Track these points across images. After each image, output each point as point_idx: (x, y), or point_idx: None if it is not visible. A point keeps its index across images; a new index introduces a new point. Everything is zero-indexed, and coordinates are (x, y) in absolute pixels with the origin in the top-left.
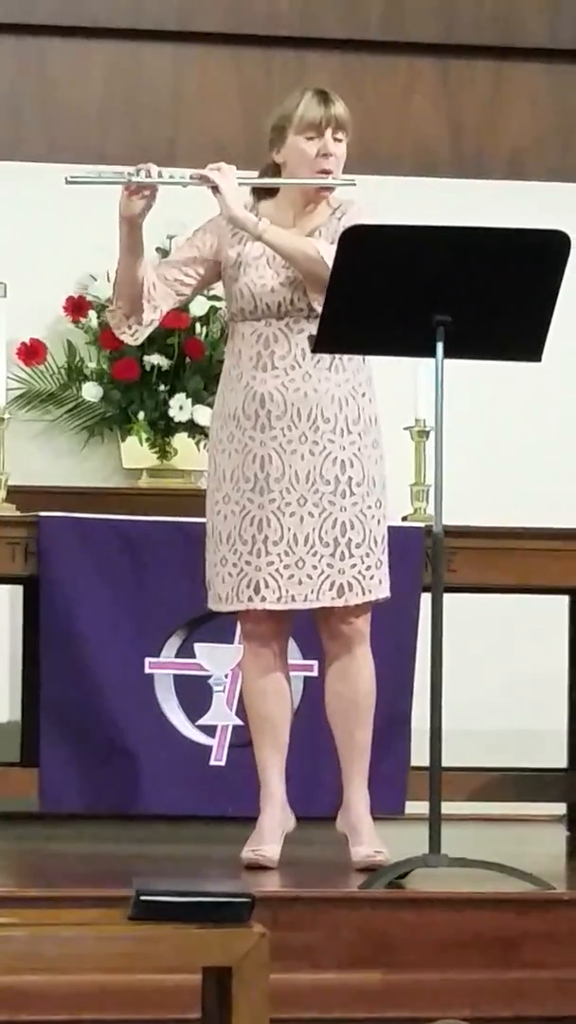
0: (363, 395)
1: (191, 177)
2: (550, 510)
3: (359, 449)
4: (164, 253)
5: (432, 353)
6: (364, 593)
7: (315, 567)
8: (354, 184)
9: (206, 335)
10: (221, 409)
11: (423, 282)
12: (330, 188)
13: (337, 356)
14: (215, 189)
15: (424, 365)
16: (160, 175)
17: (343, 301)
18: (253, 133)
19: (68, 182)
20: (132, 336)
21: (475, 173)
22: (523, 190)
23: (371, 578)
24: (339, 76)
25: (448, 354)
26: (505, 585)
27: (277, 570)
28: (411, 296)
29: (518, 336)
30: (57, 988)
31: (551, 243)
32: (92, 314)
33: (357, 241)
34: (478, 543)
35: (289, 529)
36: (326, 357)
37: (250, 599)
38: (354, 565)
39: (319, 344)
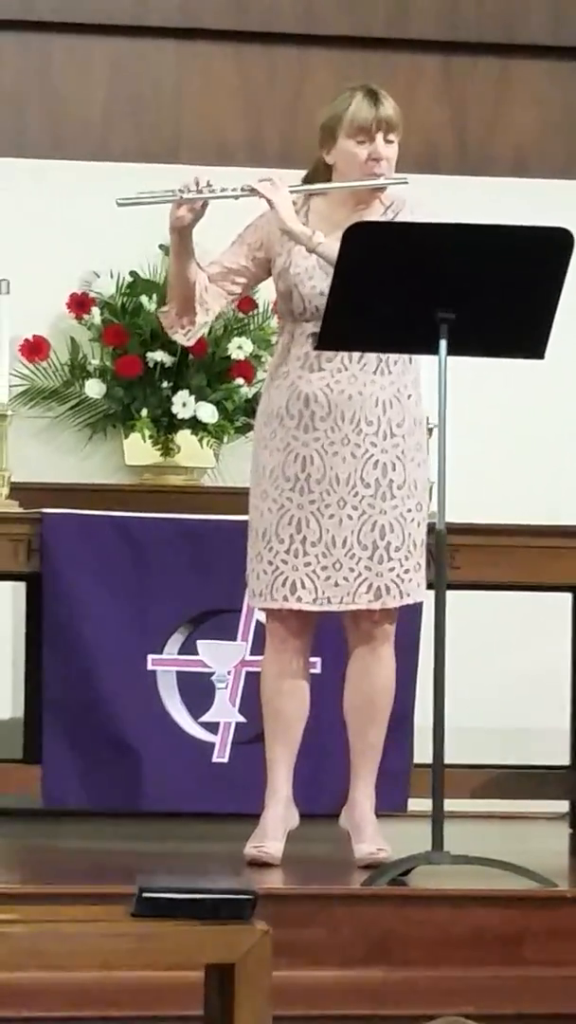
0: (408, 397)
1: (242, 189)
2: (553, 507)
3: (402, 452)
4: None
5: (435, 350)
6: (402, 596)
7: (352, 569)
8: (406, 183)
9: (209, 331)
10: (266, 406)
11: (426, 279)
12: (382, 188)
13: (384, 358)
14: (268, 202)
15: (427, 362)
16: (210, 185)
17: (347, 298)
18: (255, 130)
19: (119, 204)
20: (185, 337)
21: (479, 170)
22: (527, 187)
23: (409, 581)
24: (342, 73)
25: (451, 351)
26: (508, 582)
27: (314, 571)
28: (414, 293)
29: (521, 333)
30: (59, 985)
31: (555, 240)
32: (95, 311)
33: (361, 238)
34: (481, 540)
35: (328, 531)
36: (372, 359)
37: (285, 598)
38: (392, 568)
39: (323, 340)
